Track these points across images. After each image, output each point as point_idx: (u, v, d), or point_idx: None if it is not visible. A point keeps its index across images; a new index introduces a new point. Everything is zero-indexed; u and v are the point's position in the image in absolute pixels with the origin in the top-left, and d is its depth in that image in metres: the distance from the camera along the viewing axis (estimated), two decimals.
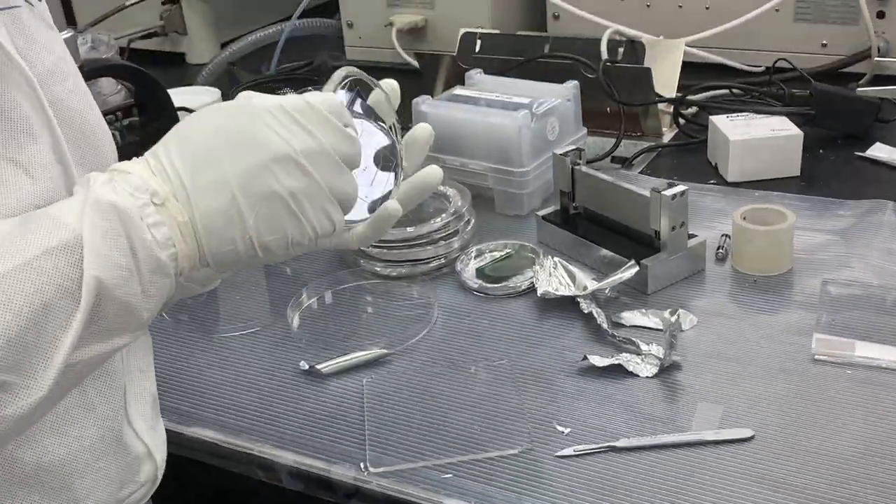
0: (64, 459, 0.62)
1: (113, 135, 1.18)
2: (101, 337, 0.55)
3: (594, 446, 0.76)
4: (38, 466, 0.61)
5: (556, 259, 0.97)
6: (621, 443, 0.76)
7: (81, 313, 0.54)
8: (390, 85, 0.70)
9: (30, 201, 0.58)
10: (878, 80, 1.37)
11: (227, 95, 1.45)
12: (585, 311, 0.91)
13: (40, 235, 0.55)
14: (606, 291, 0.94)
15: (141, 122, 1.19)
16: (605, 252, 0.99)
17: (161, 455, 0.71)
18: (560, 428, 0.78)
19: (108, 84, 1.31)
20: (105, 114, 1.19)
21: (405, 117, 1.26)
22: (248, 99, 0.61)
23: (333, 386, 0.86)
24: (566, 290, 0.94)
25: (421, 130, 0.70)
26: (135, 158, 0.60)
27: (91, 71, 1.16)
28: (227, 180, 0.58)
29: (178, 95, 1.28)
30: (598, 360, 0.85)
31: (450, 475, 0.75)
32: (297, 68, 1.65)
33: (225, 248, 0.59)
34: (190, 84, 1.58)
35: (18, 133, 0.58)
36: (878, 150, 1.21)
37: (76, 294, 0.54)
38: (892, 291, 0.92)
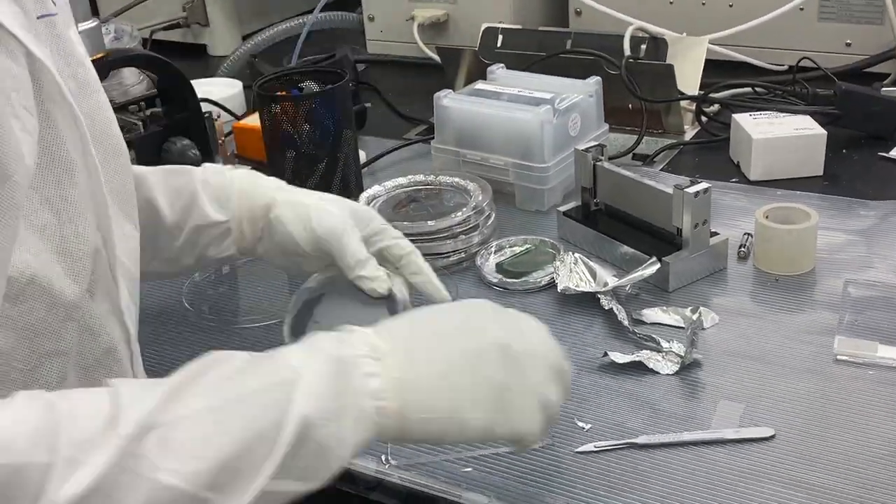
0: None
1: (135, 125, 1.20)
2: (295, 475, 0.57)
3: (614, 442, 0.76)
4: None
5: (576, 255, 0.97)
6: (641, 440, 0.76)
7: (286, 446, 0.56)
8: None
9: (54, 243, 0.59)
10: None
11: (248, 88, 1.46)
12: (606, 308, 0.91)
13: (265, 371, 0.59)
14: (627, 288, 0.94)
15: (164, 113, 1.20)
16: (626, 249, 0.99)
17: None
18: (580, 424, 0.78)
19: (130, 74, 1.31)
20: (128, 104, 1.20)
21: (425, 110, 1.27)
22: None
23: None
24: (586, 286, 0.94)
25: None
26: (368, 328, 0.64)
27: (115, 60, 1.16)
28: (447, 355, 0.62)
29: (200, 87, 1.28)
30: (619, 357, 0.85)
31: (470, 469, 0.75)
32: (319, 61, 1.64)
33: (426, 414, 0.61)
34: (211, 76, 1.58)
35: (60, 173, 0.60)
36: None
37: (285, 428, 0.56)
38: None
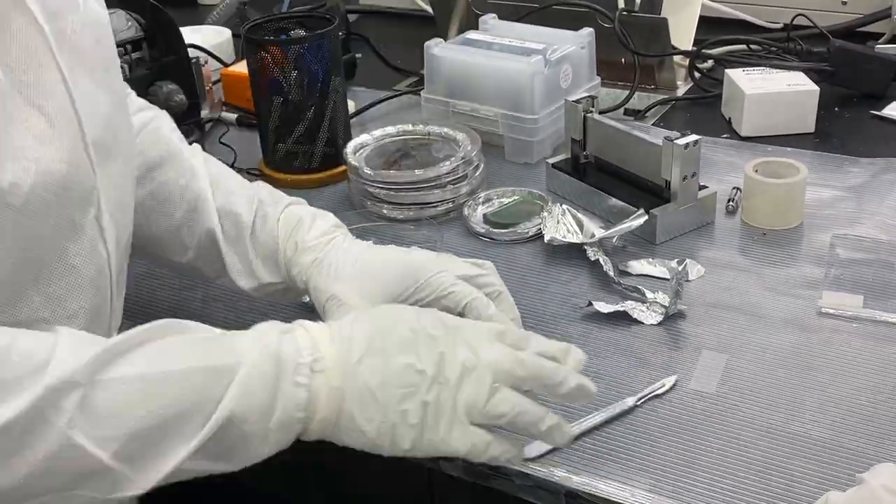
0: None
1: (122, 68, 1.17)
2: (212, 457, 0.59)
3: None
4: None
5: (564, 206, 0.96)
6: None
7: (206, 435, 0.57)
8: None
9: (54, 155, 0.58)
10: None
11: (237, 37, 1.44)
12: (592, 259, 0.91)
13: (208, 352, 0.60)
14: (614, 240, 0.94)
15: (150, 57, 1.18)
16: (614, 201, 0.99)
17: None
18: None
19: (118, 19, 1.29)
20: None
21: (417, 62, 1.25)
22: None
23: None
24: (573, 237, 0.94)
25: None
26: (324, 324, 0.65)
27: (105, 2, 1.14)
28: (388, 369, 0.63)
29: (189, 34, 1.27)
30: (603, 307, 0.84)
31: None
32: (311, 9, 1.62)
33: (358, 422, 0.62)
34: (200, 24, 1.56)
35: (41, 76, 0.58)
36: (895, 110, 1.19)
37: (209, 416, 0.57)
38: None
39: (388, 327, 0.65)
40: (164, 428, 0.56)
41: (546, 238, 0.94)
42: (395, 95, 1.31)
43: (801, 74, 1.18)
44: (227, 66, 1.35)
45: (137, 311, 0.87)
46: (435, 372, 0.63)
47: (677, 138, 0.93)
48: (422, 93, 1.19)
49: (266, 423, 0.60)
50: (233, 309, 0.90)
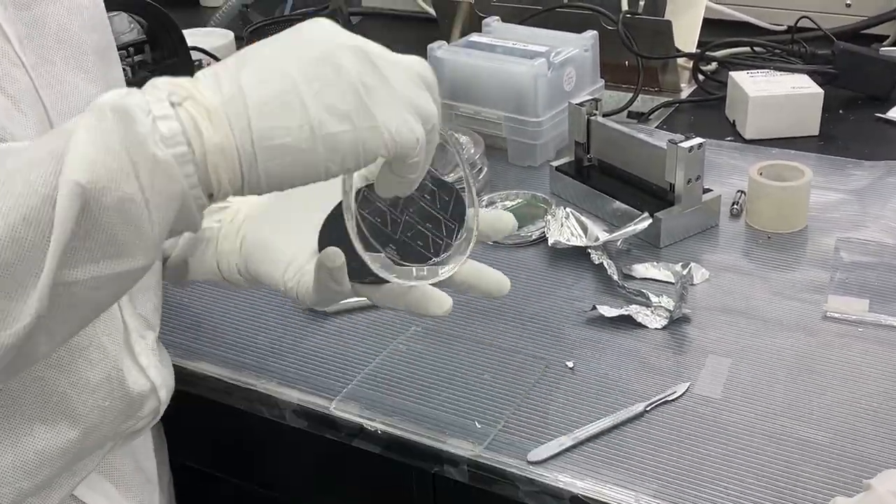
0: (70, 396, 0.62)
1: (123, 70, 1.17)
2: (99, 253, 0.47)
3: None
4: (45, 402, 0.61)
5: (568, 209, 0.96)
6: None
7: (64, 223, 0.46)
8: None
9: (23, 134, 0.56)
10: None
11: (240, 39, 1.44)
12: (596, 262, 0.91)
13: (37, 145, 0.48)
14: (618, 243, 0.93)
15: (152, 59, 1.18)
16: (618, 204, 0.98)
17: (166, 391, 0.70)
18: (568, 364, 0.79)
19: (120, 21, 1.29)
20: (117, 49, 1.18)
21: None
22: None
23: (334, 324, 0.86)
24: (577, 240, 0.93)
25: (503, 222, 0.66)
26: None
27: (106, 5, 1.14)
28: (285, 67, 0.49)
29: (191, 37, 1.26)
30: (607, 311, 0.84)
31: (457, 416, 0.74)
32: (314, 12, 1.63)
33: (277, 139, 0.48)
34: (203, 26, 1.56)
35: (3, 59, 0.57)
36: None
37: (59, 202, 0.46)
38: None
39: (254, 46, 0.52)
40: (16, 240, 0.46)
41: (550, 241, 0.93)
42: None
43: (806, 77, 1.17)
44: None
45: None
46: (357, 65, 0.50)
47: (681, 141, 0.93)
48: None
49: (133, 181, 0.46)
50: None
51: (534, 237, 0.97)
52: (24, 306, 0.47)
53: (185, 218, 0.49)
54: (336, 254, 0.59)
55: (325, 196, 0.63)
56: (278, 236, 0.68)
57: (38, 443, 0.61)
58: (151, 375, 0.68)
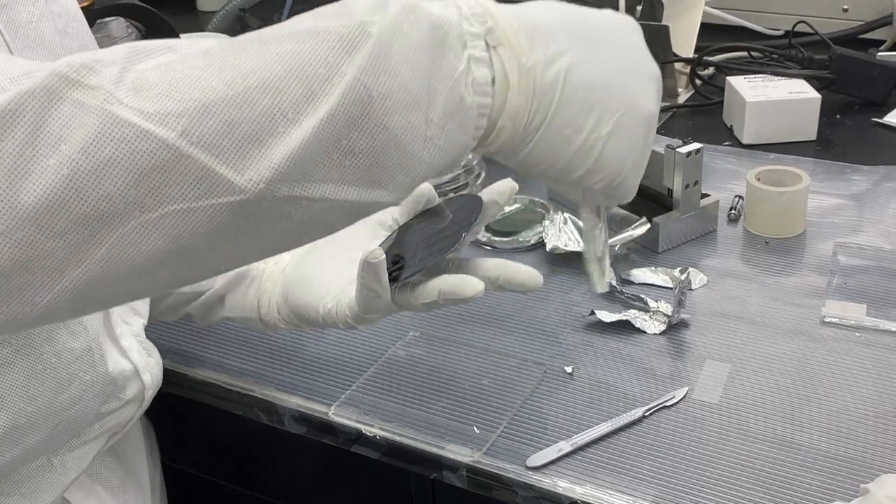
0: (54, 364, 0.61)
1: None
2: (358, 178, 0.41)
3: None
4: (31, 369, 0.60)
5: (566, 214, 0.96)
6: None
7: (329, 108, 0.39)
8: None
9: None
10: None
11: None
12: None
13: (325, 16, 0.41)
14: (616, 248, 0.93)
15: None
16: (616, 209, 0.98)
17: (150, 377, 0.70)
18: (567, 369, 0.79)
19: (118, 26, 1.29)
20: None
21: None
22: None
23: (332, 330, 0.86)
24: (575, 245, 0.93)
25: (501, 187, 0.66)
26: None
27: (103, 10, 1.14)
28: (611, 78, 0.48)
29: (188, 41, 1.26)
30: (606, 316, 0.84)
31: (455, 422, 0.74)
32: None
33: (566, 132, 0.46)
34: (200, 31, 1.56)
35: None
36: None
37: (331, 88, 0.39)
38: None
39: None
40: (252, 103, 0.39)
41: (548, 247, 0.93)
42: None
43: (803, 82, 1.18)
44: None
45: None
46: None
47: (679, 146, 0.93)
48: None
49: (425, 114, 0.41)
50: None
51: (532, 242, 0.97)
52: (247, 173, 0.39)
53: (447, 168, 0.45)
54: (378, 251, 0.61)
55: (365, 239, 0.67)
56: (320, 271, 0.71)
57: (25, 406, 0.60)
58: (133, 358, 0.68)
